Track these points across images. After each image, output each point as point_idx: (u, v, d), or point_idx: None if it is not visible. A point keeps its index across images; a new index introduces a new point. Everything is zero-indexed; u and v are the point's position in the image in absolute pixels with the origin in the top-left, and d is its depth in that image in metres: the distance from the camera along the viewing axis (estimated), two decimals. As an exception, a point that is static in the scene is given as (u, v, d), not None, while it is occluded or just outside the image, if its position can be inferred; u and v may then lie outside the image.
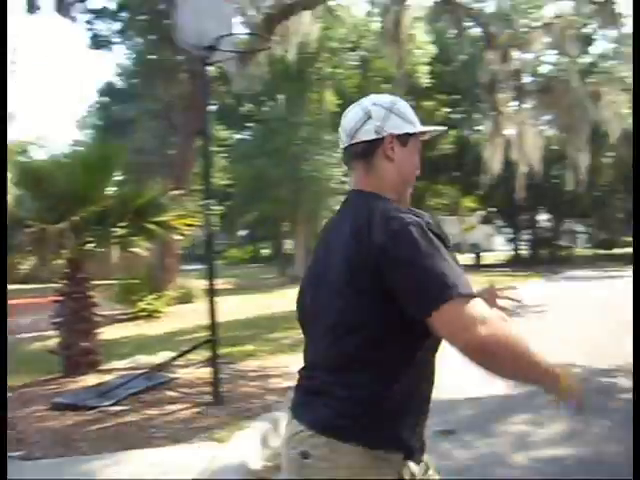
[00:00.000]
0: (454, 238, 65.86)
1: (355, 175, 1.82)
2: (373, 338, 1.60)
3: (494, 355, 1.49)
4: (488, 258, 40.66)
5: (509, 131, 18.65)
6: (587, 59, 35.81)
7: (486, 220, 42.51)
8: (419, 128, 1.87)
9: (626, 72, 24.63)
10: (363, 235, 1.61)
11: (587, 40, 38.70)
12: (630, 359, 7.30)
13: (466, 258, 43.73)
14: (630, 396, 5.64)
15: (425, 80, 31.09)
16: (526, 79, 27.18)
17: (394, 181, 1.80)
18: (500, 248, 49.01)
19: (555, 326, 10.59)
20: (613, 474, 3.72)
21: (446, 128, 2.12)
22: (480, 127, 34.76)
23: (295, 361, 6.14)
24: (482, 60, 19.15)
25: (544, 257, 38.40)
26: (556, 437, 4.56)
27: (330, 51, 25.11)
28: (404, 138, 1.80)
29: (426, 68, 30.54)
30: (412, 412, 1.70)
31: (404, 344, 1.62)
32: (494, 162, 18.50)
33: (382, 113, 1.77)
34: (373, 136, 1.76)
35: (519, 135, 17.99)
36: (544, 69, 34.81)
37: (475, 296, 1.58)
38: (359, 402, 1.60)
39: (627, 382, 6.25)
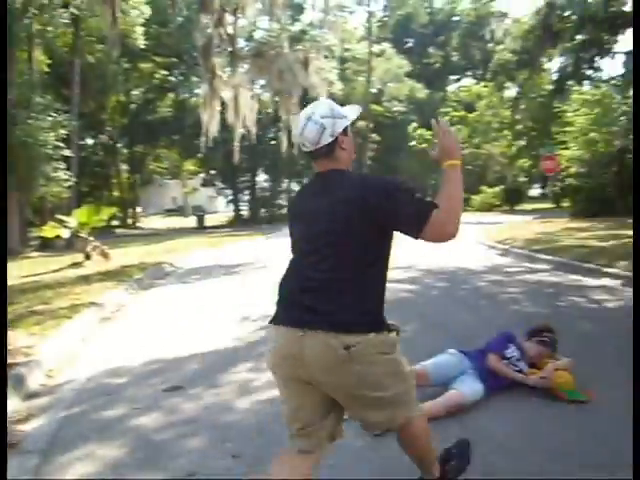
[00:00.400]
0: (176, 202, 65.65)
1: (322, 163, 2.63)
2: (371, 259, 2.55)
3: (457, 225, 2.51)
4: (211, 220, 41.32)
5: (225, 94, 19.04)
6: (297, 27, 37.53)
7: (207, 182, 43.03)
8: (350, 118, 2.64)
9: (332, 40, 26.38)
10: (366, 196, 2.47)
11: (298, 8, 40.67)
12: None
13: (189, 221, 44.05)
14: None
15: (141, 42, 30.22)
16: (241, 44, 27.85)
17: (349, 160, 2.69)
18: (223, 210, 50.01)
19: (276, 280, 11.25)
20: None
21: (360, 107, 2.81)
22: (199, 90, 34.95)
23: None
24: (198, 23, 19.22)
25: (264, 217, 40.08)
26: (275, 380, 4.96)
27: (39, 7, 23.14)
28: (345, 130, 2.61)
29: (142, 29, 29.69)
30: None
31: (383, 261, 2.64)
32: (212, 125, 18.78)
33: (330, 122, 2.55)
34: (330, 140, 2.56)
35: (234, 98, 18.47)
36: (258, 35, 35.90)
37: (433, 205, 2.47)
38: (370, 301, 2.56)
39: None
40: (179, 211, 61.95)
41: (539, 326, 4.75)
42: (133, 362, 5.72)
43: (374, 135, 45.72)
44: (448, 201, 2.47)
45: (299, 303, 2.54)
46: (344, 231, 2.48)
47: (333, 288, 2.48)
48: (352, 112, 2.67)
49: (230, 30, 19.50)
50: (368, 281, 2.54)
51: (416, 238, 2.50)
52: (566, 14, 29.63)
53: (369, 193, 2.47)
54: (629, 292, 8.12)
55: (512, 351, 4.39)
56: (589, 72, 31.88)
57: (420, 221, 2.43)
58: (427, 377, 4.10)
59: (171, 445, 3.79)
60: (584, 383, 4.25)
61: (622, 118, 23.10)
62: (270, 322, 2.69)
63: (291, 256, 2.83)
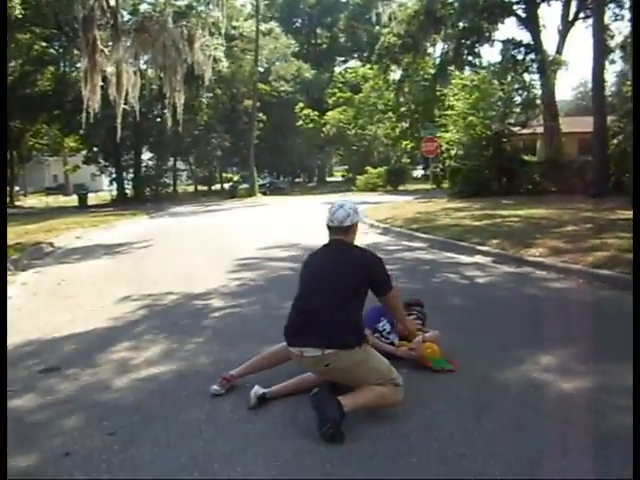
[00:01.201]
0: (58, 180, 62.85)
1: (337, 234, 3.99)
2: (361, 300, 3.86)
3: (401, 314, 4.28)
4: (94, 199, 39.92)
5: (107, 69, 18.43)
6: (182, 2, 36.54)
7: (90, 160, 41.39)
8: (361, 217, 4.83)
9: (219, 17, 25.96)
10: (363, 260, 3.90)
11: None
12: (214, 285, 8.18)
13: (71, 199, 42.37)
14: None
15: (18, 10, 28.46)
16: (125, 17, 26.91)
17: (354, 240, 4.09)
18: (106, 188, 48.44)
19: (159, 259, 11.14)
20: (207, 380, 4.25)
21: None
22: (81, 64, 33.47)
23: None
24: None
25: (149, 195, 39.15)
26: (155, 358, 4.96)
27: None
28: (357, 223, 4.11)
29: (18, -4, 27.97)
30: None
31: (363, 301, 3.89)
32: (93, 101, 18.12)
33: (353, 213, 4.03)
34: (350, 224, 4.00)
35: (117, 74, 17.91)
36: (143, 8, 34.76)
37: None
38: (356, 327, 3.77)
39: (219, 302, 7.04)
40: (60, 189, 59.43)
41: (409, 301, 5.01)
42: (8, 344, 5.53)
43: (261, 114, 45.57)
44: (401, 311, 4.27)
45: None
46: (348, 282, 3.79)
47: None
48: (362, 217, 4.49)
49: (112, 2, 18.83)
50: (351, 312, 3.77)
51: (381, 296, 3.97)
52: (449, 1, 30.69)
53: (367, 262, 3.91)
54: (499, 268, 8.67)
55: (383, 324, 4.62)
56: (469, 58, 33.23)
57: (386, 288, 3.94)
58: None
59: (46, 425, 3.75)
60: (452, 354, 4.54)
61: (499, 103, 24.28)
62: None
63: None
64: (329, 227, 4.02)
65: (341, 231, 3.97)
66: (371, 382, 3.62)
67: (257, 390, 3.88)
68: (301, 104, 50.98)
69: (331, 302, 3.67)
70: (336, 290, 3.71)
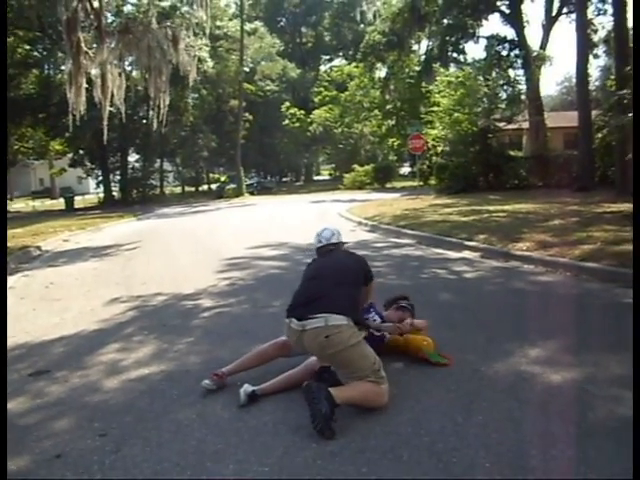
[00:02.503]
0: (44, 183, 62.38)
1: (327, 249, 4.45)
2: (360, 290, 4.20)
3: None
4: (81, 201, 39.72)
5: (92, 71, 18.32)
6: (166, 2, 36.37)
7: (76, 163, 41.14)
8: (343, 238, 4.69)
9: (203, 17, 25.93)
10: (356, 261, 4.37)
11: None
12: (203, 285, 8.17)
13: (58, 203, 42.14)
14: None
15: None
16: (108, 19, 26.76)
17: None
18: (93, 191, 48.19)
19: (147, 260, 11.11)
20: (198, 380, 4.25)
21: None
22: (65, 67, 33.22)
23: None
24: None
25: (136, 197, 38.99)
26: (145, 358, 4.95)
27: None
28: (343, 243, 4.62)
29: None
30: None
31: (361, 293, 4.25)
32: (78, 103, 18.00)
33: (337, 233, 4.57)
34: (336, 241, 4.51)
35: (101, 75, 17.81)
36: (127, 9, 34.58)
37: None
38: (357, 309, 4.08)
39: (208, 302, 7.04)
40: (47, 193, 59.04)
41: (396, 296, 5.08)
42: (-5, 349, 5.51)
43: (247, 114, 45.51)
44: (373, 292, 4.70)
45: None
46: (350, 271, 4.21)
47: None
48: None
49: (96, 4, 18.71)
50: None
51: (364, 286, 4.34)
52: (433, -2, 30.72)
53: (360, 259, 4.45)
54: (487, 263, 8.72)
55: (373, 316, 4.65)
56: (454, 55, 33.31)
57: (369, 280, 4.42)
58: (291, 346, 4.26)
59: (37, 428, 3.74)
60: (442, 349, 4.57)
61: (484, 99, 24.37)
62: None
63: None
64: (319, 248, 4.51)
65: (331, 246, 4.46)
66: (360, 370, 3.71)
67: (247, 388, 3.89)
68: (287, 103, 50.94)
69: (337, 285, 3.97)
70: (342, 277, 4.06)
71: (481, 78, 24.81)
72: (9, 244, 13.75)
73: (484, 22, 31.12)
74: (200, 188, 52.80)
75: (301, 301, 3.97)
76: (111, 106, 19.30)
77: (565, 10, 30.35)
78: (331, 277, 4.05)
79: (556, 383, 3.96)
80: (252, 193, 42.43)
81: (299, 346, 3.95)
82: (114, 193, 40.34)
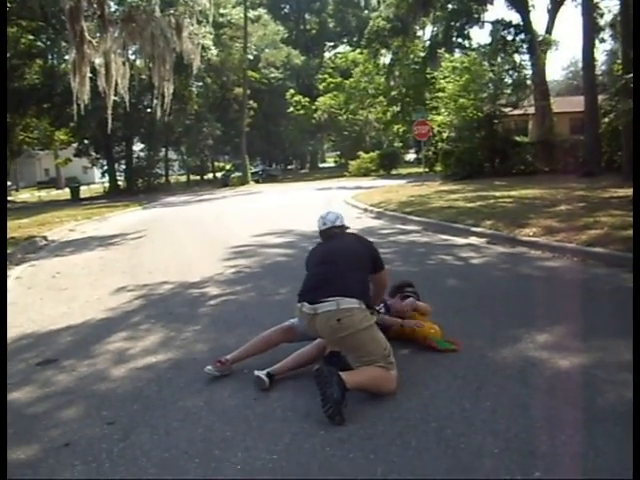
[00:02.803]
0: (49, 173, 62.46)
1: (332, 232, 4.40)
2: (367, 274, 4.12)
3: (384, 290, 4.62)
4: (87, 191, 39.79)
5: (96, 60, 18.28)
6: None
7: (81, 153, 41.16)
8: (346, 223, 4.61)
9: (206, 5, 25.84)
10: (364, 245, 4.28)
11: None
12: (209, 273, 8.18)
13: (63, 193, 42.19)
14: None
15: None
16: (112, 8, 26.65)
17: None
18: (98, 180, 48.24)
19: (153, 249, 11.12)
20: (205, 368, 4.26)
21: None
22: (69, 56, 33.10)
23: None
24: (61, -16, 18.18)
25: (141, 186, 38.99)
26: (152, 347, 4.96)
27: None
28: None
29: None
30: None
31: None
32: (83, 93, 17.97)
33: (342, 217, 4.51)
34: (340, 224, 4.46)
35: (105, 65, 17.77)
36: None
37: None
38: (368, 293, 4.03)
39: (215, 290, 7.04)
40: (52, 183, 59.10)
41: (400, 283, 5.04)
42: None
43: (251, 102, 45.37)
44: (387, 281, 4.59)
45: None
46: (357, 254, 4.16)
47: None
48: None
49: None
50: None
51: (374, 274, 4.25)
52: (438, -17, 30.47)
53: (366, 242, 4.36)
54: (493, 249, 8.69)
55: (380, 307, 4.64)
56: (459, 40, 33.09)
57: (382, 266, 4.32)
58: (295, 331, 4.27)
59: (45, 417, 3.76)
60: (450, 335, 4.56)
61: (490, 85, 24.23)
62: None
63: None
64: (324, 231, 4.45)
65: (336, 229, 4.41)
66: (370, 354, 3.71)
67: (260, 372, 3.92)
68: (292, 90, 50.67)
69: (347, 269, 3.97)
70: (351, 260, 4.05)
71: (486, 63, 24.66)
72: (15, 234, 13.81)
73: (489, 7, 30.97)
74: (205, 177, 52.71)
75: (312, 285, 3.97)
76: (115, 95, 19.27)
77: (571, -6, 30.09)
78: (341, 261, 4.02)
79: (564, 368, 3.95)
80: (257, 181, 42.36)
81: (311, 329, 3.93)
82: (119, 182, 40.36)
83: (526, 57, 28.87)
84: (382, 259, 4.34)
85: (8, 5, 27.96)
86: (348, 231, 4.56)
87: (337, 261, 4.04)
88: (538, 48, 28.03)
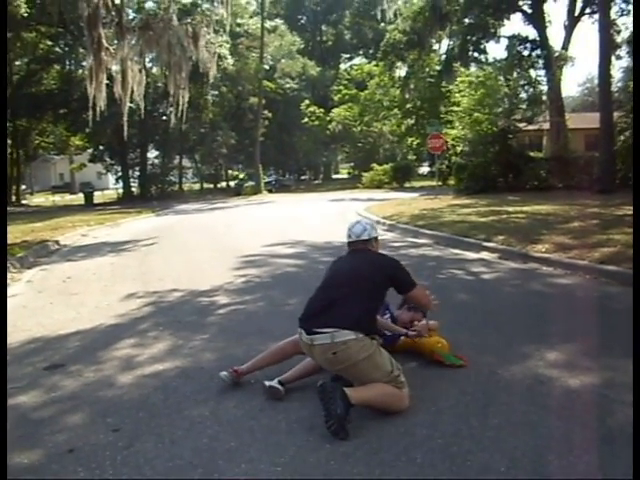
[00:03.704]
0: (64, 178, 62.84)
1: (357, 247, 4.21)
2: (378, 299, 4.03)
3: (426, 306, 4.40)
4: (100, 197, 40.01)
5: (112, 67, 18.44)
6: (187, -1, 36.39)
7: (96, 158, 41.47)
8: (379, 234, 4.40)
9: (224, 15, 25.96)
10: (380, 269, 4.02)
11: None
12: (219, 281, 8.18)
13: (77, 198, 42.46)
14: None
15: (24, 9, 28.48)
16: (130, 16, 26.90)
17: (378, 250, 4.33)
18: (112, 186, 48.52)
19: (164, 256, 11.14)
20: (212, 377, 4.25)
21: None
22: (86, 62, 33.39)
23: None
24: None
25: (155, 193, 39.19)
26: (159, 354, 4.95)
27: None
28: (376, 238, 4.30)
29: (25, -5, 27.98)
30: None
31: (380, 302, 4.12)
32: (99, 99, 18.12)
33: (370, 228, 4.27)
34: (367, 237, 4.21)
35: (122, 72, 17.91)
36: (148, 6, 34.74)
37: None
38: (368, 320, 3.84)
39: (224, 299, 7.04)
40: (67, 188, 59.52)
41: None
42: (13, 341, 5.54)
43: (266, 112, 45.54)
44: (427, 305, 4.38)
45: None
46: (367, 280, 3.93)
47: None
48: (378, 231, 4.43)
49: (117, 0, 18.81)
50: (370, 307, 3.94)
51: (403, 294, 4.29)
52: (454, -3, 30.52)
53: (386, 265, 4.09)
54: (505, 264, 8.64)
55: (387, 318, 4.62)
56: (475, 54, 33.08)
57: (407, 288, 4.11)
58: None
59: (51, 422, 3.75)
60: (458, 350, 4.52)
61: (505, 100, 24.18)
62: None
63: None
64: (349, 243, 4.29)
65: (360, 244, 4.21)
66: (373, 381, 3.63)
67: (271, 382, 3.92)
68: (306, 101, 50.83)
69: (349, 295, 3.81)
70: (355, 286, 3.87)
71: (502, 78, 24.60)
72: (28, 238, 13.90)
73: (505, 22, 30.89)
74: (219, 185, 52.91)
75: (311, 312, 3.89)
76: (131, 102, 19.44)
77: (588, 10, 30.02)
78: (345, 286, 3.89)
79: (574, 387, 3.90)
80: (270, 191, 42.47)
81: (311, 357, 3.92)
82: (133, 189, 40.59)
83: (542, 72, 28.87)
84: (409, 278, 4.11)
85: (28, 11, 28.32)
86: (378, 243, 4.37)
87: (340, 285, 3.92)
88: (554, 64, 27.99)
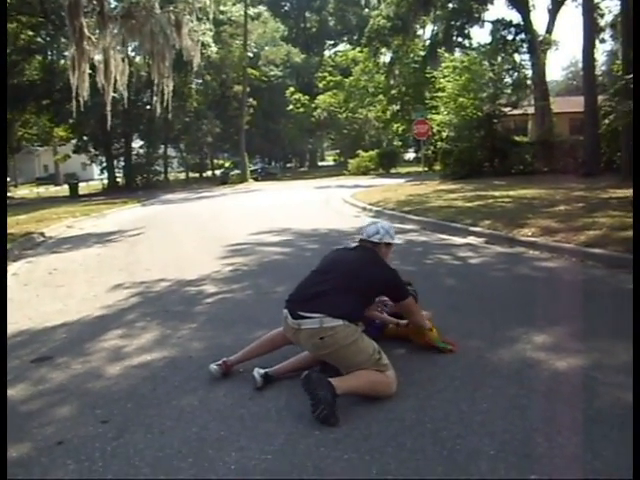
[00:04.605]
0: (48, 170, 62.30)
1: (365, 245, 4.17)
2: (367, 300, 4.07)
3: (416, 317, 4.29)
4: (86, 188, 39.73)
5: (95, 57, 18.24)
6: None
7: (80, 149, 41.13)
8: (395, 242, 4.33)
9: (206, 2, 25.80)
10: (376, 275, 3.96)
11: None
12: (206, 271, 8.15)
13: (62, 189, 42.13)
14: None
15: (2, -3, 28.10)
16: (111, 4, 26.58)
17: (386, 257, 4.25)
18: (97, 177, 48.22)
19: (151, 246, 11.09)
20: (201, 366, 4.23)
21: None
22: (68, 53, 32.96)
23: None
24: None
25: (140, 183, 38.98)
26: (147, 345, 4.92)
27: None
28: (388, 244, 4.23)
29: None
30: None
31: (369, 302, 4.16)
32: (82, 89, 17.92)
33: (384, 232, 4.18)
34: (377, 240, 4.15)
35: (104, 61, 17.72)
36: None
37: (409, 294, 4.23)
38: (355, 308, 3.84)
39: (212, 288, 7.01)
40: (51, 179, 59.03)
41: None
42: (-2, 335, 5.50)
43: (251, 100, 45.33)
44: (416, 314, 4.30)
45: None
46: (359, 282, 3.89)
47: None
48: (397, 240, 4.41)
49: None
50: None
51: (395, 303, 4.26)
52: (438, -18, 30.44)
53: (381, 279, 3.98)
54: (492, 249, 8.66)
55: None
56: (459, 39, 33.07)
57: (399, 299, 4.15)
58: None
59: (39, 415, 3.72)
60: (447, 335, 4.52)
61: (489, 84, 24.20)
62: None
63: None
64: (360, 239, 4.28)
65: (369, 244, 4.17)
66: (357, 365, 3.65)
67: (259, 370, 3.90)
68: (291, 88, 50.63)
69: (342, 287, 3.82)
70: (353, 282, 3.87)
71: (486, 63, 24.64)
72: (13, 230, 13.78)
73: (489, 6, 30.93)
74: (204, 174, 52.70)
75: (302, 295, 3.90)
76: (114, 92, 19.22)
77: (572, -7, 30.07)
78: (342, 279, 3.88)
79: (562, 370, 3.92)
80: (256, 179, 42.35)
81: (295, 342, 3.91)
82: (118, 179, 40.34)
83: (526, 57, 28.92)
84: (404, 289, 4.17)
85: (8, 1, 27.90)
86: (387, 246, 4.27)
87: (338, 276, 3.90)
88: (538, 48, 28.02)
